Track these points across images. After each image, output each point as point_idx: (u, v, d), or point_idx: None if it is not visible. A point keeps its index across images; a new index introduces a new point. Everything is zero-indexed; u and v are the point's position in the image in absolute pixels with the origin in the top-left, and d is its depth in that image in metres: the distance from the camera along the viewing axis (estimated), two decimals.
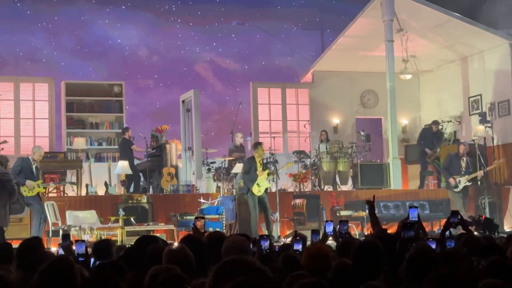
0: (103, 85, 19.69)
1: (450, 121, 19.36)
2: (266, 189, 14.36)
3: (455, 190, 15.53)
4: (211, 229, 10.47)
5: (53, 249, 11.12)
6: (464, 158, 15.72)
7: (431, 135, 18.60)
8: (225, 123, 20.50)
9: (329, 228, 6.41)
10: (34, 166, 13.48)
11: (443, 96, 20.32)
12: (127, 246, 7.19)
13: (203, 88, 20.54)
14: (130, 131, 17.71)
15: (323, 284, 3.44)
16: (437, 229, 15.49)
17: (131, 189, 17.03)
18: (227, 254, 4.59)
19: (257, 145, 14.60)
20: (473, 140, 17.03)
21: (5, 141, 16.72)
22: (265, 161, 15.00)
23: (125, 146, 17.52)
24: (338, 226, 6.54)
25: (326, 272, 4.46)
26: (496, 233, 10.44)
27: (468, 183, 15.56)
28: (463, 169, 15.58)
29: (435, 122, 18.76)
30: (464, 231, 6.46)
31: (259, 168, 14.24)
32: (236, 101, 20.05)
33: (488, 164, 16.66)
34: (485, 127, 17.75)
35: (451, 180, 15.53)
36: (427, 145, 18.42)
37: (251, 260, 3.02)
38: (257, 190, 14.14)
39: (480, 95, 18.87)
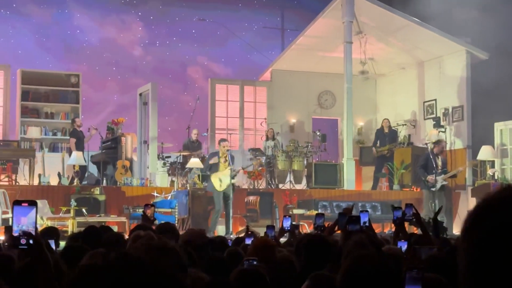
0: (60, 74, 19.51)
1: (405, 124, 19.60)
2: (233, 185, 14.38)
3: (433, 189, 15.54)
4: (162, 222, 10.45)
5: (1, 237, 10.99)
6: (440, 157, 15.79)
7: (384, 135, 18.81)
8: (182, 118, 20.47)
9: (287, 223, 6.46)
10: None
11: (399, 100, 20.55)
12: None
13: (160, 81, 20.44)
14: (78, 120, 17.62)
15: (261, 272, 3.48)
16: (387, 230, 15.65)
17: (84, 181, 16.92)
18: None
19: (220, 141, 14.72)
20: (426, 144, 17.24)
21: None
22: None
23: (71, 136, 17.41)
24: (314, 220, 6.55)
25: (269, 263, 4.51)
26: (444, 235, 10.60)
27: (444, 182, 15.66)
28: (440, 168, 15.67)
29: (387, 121, 18.95)
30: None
31: (222, 164, 14.27)
32: (194, 96, 20.03)
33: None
34: (439, 131, 18.01)
35: (430, 178, 15.41)
36: (382, 146, 18.63)
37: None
38: (219, 185, 14.17)
39: (435, 100, 19.14)
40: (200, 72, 23.35)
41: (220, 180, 14.19)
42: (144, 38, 23.26)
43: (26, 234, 2.71)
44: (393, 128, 19.15)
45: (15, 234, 2.72)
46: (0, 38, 21.49)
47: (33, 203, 2.77)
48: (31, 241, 2.71)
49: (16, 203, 2.77)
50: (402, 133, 19.47)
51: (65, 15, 22.32)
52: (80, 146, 17.16)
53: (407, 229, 6.47)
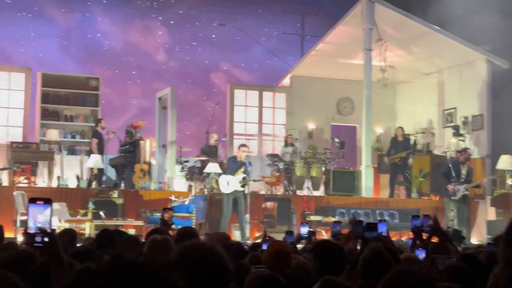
0: (80, 77, 19.59)
1: (424, 132, 19.50)
2: (242, 191, 14.30)
3: (453, 198, 15.40)
4: (180, 227, 10.46)
5: (20, 238, 11.05)
6: (465, 166, 15.62)
7: (398, 144, 18.71)
8: (202, 123, 20.51)
9: (304, 230, 6.46)
10: None
11: (418, 108, 20.45)
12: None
13: (181, 86, 20.51)
14: (103, 122, 17.60)
15: (277, 278, 3.47)
16: (405, 238, 15.57)
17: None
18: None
19: (239, 146, 14.73)
20: (445, 152, 17.14)
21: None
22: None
23: (94, 137, 17.44)
24: (331, 227, 6.57)
25: (285, 270, 4.50)
26: (462, 244, 10.54)
27: (466, 192, 15.49)
28: (464, 177, 15.48)
29: (401, 128, 18.86)
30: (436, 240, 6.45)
31: (238, 169, 14.25)
32: (214, 101, 20.07)
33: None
34: (458, 140, 17.90)
35: (450, 187, 15.28)
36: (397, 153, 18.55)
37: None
38: (224, 187, 14.14)
39: (455, 108, 19.04)
40: (220, 77, 23.41)
41: (228, 183, 14.17)
42: (164, 43, 23.35)
43: (41, 231, 2.71)
44: (407, 136, 19.03)
45: (31, 231, 2.73)
46: (21, 41, 21.66)
47: (48, 201, 2.78)
48: (46, 239, 2.71)
49: (32, 200, 2.78)
50: (421, 141, 19.37)
51: (87, 19, 22.47)
52: (100, 149, 17.21)
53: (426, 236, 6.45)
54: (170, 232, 6.17)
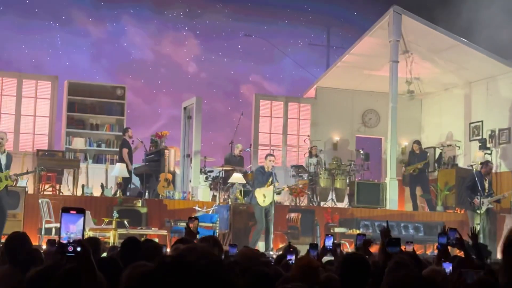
0: (106, 86, 19.68)
1: (450, 145, 19.37)
2: (273, 201, 14.20)
3: (478, 211, 15.20)
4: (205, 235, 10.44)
5: (44, 246, 11.08)
6: (487, 179, 15.49)
7: (414, 157, 18.63)
8: (228, 133, 20.53)
9: (329, 242, 6.41)
10: (3, 155, 12.68)
11: (444, 120, 20.32)
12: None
13: (207, 96, 20.57)
14: (130, 131, 17.60)
15: None
16: (430, 252, 15.44)
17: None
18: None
19: (266, 156, 14.61)
20: (472, 166, 16.98)
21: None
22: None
23: (123, 147, 17.47)
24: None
25: (314, 285, 4.46)
26: (488, 260, 10.40)
27: (490, 205, 15.35)
28: (487, 190, 15.32)
29: (417, 142, 18.79)
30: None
31: (267, 179, 14.16)
32: (239, 111, 20.07)
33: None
34: (485, 153, 17.74)
35: (476, 201, 15.07)
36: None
37: None
38: (262, 200, 14.06)
39: (482, 121, 18.87)
40: (245, 88, 23.42)
41: (264, 196, 14.09)
42: (190, 52, 23.43)
43: (75, 242, 2.71)
44: (424, 150, 18.96)
45: (63, 241, 2.73)
46: (49, 49, 21.83)
47: (81, 211, 2.78)
48: (78, 249, 2.71)
49: (65, 210, 2.78)
50: (447, 154, 19.24)
51: (114, 29, 22.61)
52: (130, 157, 17.24)
53: (449, 250, 6.38)
54: (195, 242, 6.14)
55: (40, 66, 21.11)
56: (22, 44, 21.67)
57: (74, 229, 2.74)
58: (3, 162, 12.67)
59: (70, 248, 2.71)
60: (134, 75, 22.25)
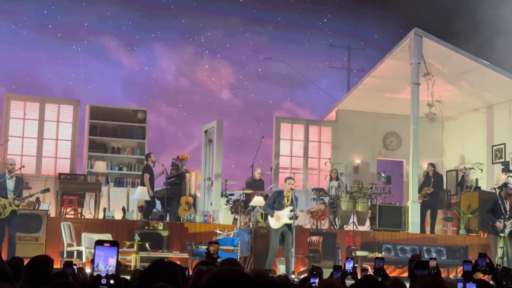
0: (127, 110, 19.78)
1: (473, 168, 19.25)
2: (289, 225, 14.04)
3: (501, 234, 15.04)
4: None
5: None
6: (507, 201, 15.35)
7: (429, 179, 18.53)
8: (249, 156, 20.54)
9: (349, 265, 6.38)
10: (11, 181, 13.02)
11: (466, 143, 20.21)
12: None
13: (227, 119, 20.62)
14: (152, 156, 17.60)
15: None
16: (453, 275, 15.30)
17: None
18: None
19: (286, 179, 14.53)
20: (495, 189, 16.83)
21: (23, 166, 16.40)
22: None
23: (146, 172, 17.50)
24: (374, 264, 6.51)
25: None
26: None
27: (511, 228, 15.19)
28: (508, 213, 15.17)
29: (431, 164, 18.73)
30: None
31: (285, 202, 14.06)
32: (259, 134, 20.08)
33: None
34: (508, 176, 17.60)
35: (499, 224, 14.91)
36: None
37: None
38: (273, 222, 13.95)
39: (504, 144, 18.76)
40: (265, 110, 23.44)
41: (278, 218, 14.02)
42: (211, 76, 23.51)
43: (110, 277, 2.79)
44: (438, 172, 18.98)
45: (102, 274, 2.79)
46: (71, 73, 22.02)
47: (114, 244, 2.83)
48: (111, 281, 2.76)
49: (99, 243, 2.83)
50: (470, 177, 19.12)
51: (136, 53, 22.77)
52: (151, 183, 17.26)
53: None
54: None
55: (62, 90, 21.28)
56: (45, 68, 21.88)
57: (108, 261, 2.81)
58: (11, 187, 12.96)
59: (104, 281, 2.77)
60: (158, 98, 22.38)
